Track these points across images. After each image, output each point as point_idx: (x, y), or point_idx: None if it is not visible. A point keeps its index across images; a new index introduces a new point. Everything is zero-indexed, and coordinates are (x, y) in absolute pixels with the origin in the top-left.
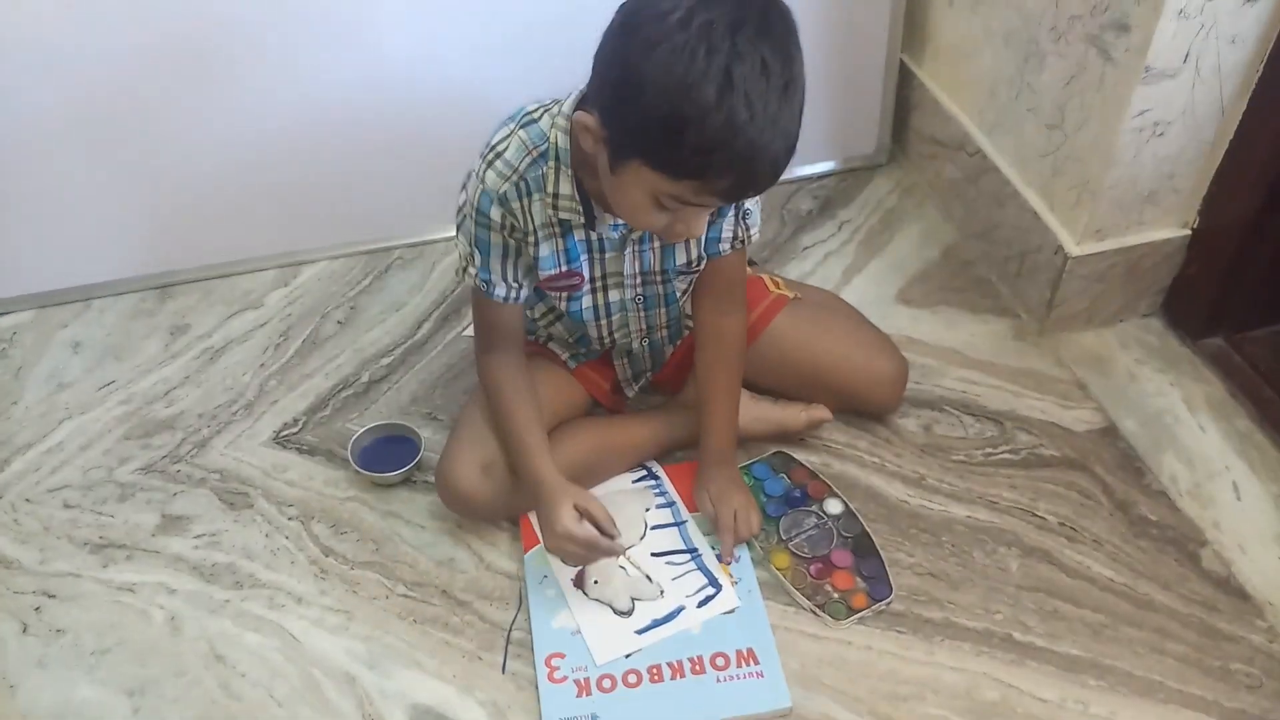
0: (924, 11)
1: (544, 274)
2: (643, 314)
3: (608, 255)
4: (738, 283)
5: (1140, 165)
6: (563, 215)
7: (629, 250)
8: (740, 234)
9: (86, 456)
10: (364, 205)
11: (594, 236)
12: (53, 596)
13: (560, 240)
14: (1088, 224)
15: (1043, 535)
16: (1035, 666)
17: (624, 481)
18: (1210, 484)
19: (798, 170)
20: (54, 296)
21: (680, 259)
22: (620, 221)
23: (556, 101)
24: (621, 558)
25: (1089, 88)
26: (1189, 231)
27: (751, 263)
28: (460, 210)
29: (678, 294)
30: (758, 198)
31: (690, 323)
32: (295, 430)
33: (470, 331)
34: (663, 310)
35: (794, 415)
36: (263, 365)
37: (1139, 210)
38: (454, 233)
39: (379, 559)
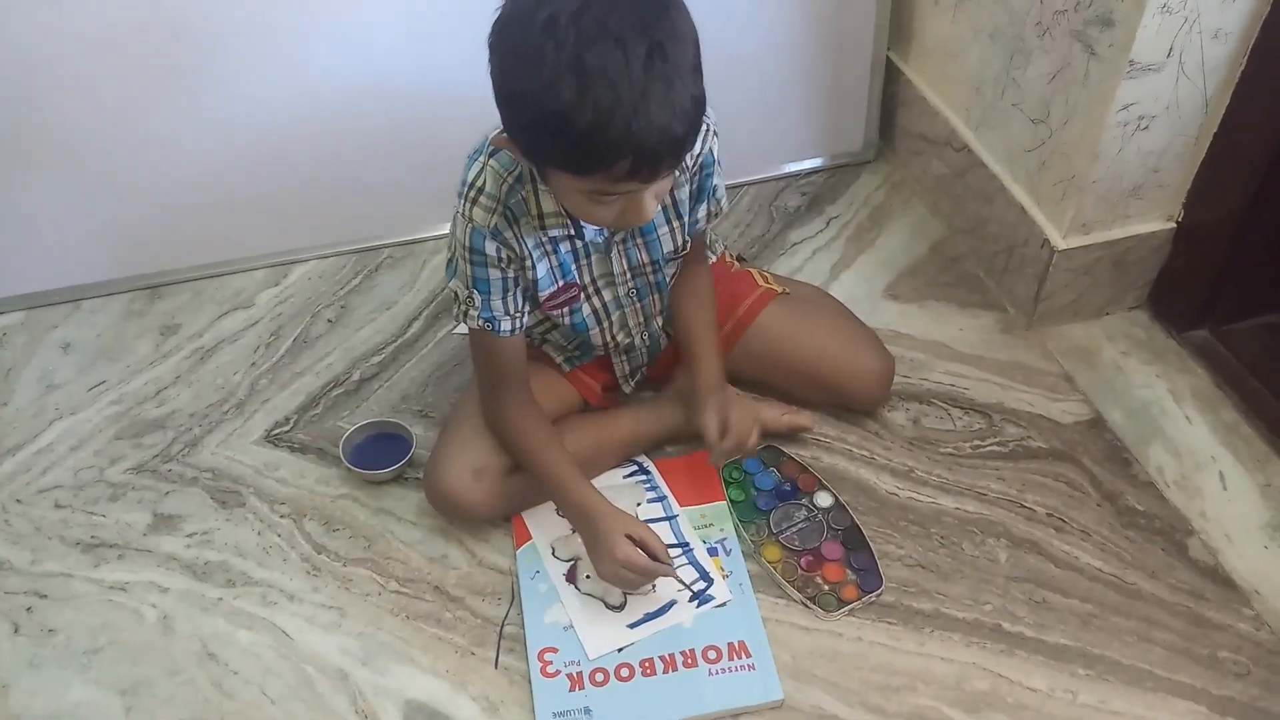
0: (910, 9)
1: (544, 294)
2: (639, 306)
3: (594, 258)
4: (702, 243)
5: (1125, 159)
6: (552, 233)
7: (614, 251)
8: (713, 209)
9: (77, 457)
10: (354, 204)
11: (579, 245)
12: (44, 597)
13: (552, 257)
14: (1074, 218)
15: (1031, 526)
16: (1025, 656)
17: (615, 477)
18: (1197, 474)
19: (785, 167)
20: (44, 297)
21: (668, 246)
22: (595, 229)
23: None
24: None
25: (1074, 83)
26: (1174, 225)
27: (740, 258)
28: (451, 249)
29: (668, 279)
30: (716, 169)
31: None
32: (287, 429)
33: (461, 329)
34: (656, 296)
35: (776, 417)
36: (254, 364)
37: (1124, 204)
38: (447, 231)
39: (371, 556)
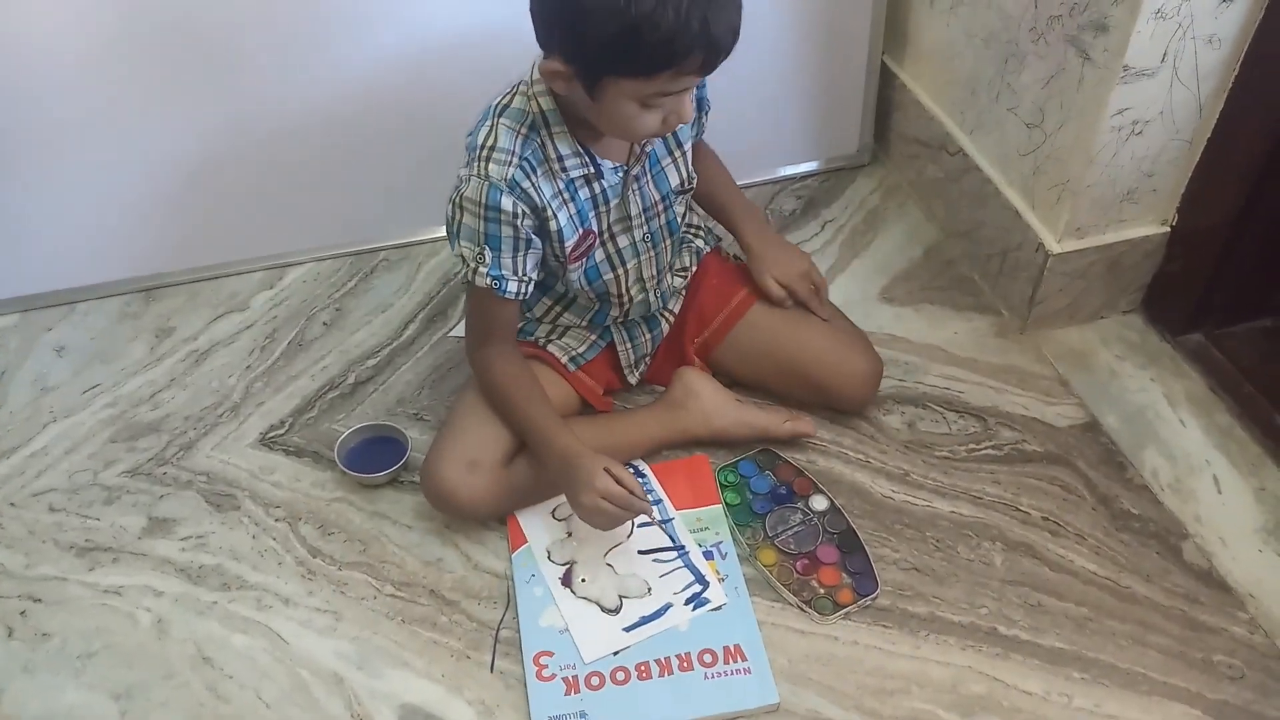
0: (905, 13)
1: (569, 244)
2: (653, 254)
3: (612, 204)
4: (703, 144)
5: (1119, 164)
6: (572, 175)
7: (630, 191)
8: (704, 119)
9: (72, 460)
10: (350, 207)
11: (598, 190)
12: (38, 601)
13: (570, 205)
14: (1068, 222)
15: (1026, 530)
16: (1020, 660)
17: None
18: (1191, 478)
19: (781, 170)
20: (38, 300)
21: (674, 180)
22: (618, 164)
23: (513, 85)
24: (609, 554)
25: (1068, 88)
26: (1168, 229)
27: (737, 258)
28: (455, 216)
29: (678, 218)
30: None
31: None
32: (282, 432)
33: (457, 332)
34: (668, 242)
35: (777, 423)
36: (249, 367)
37: (1118, 208)
38: (443, 234)
39: (366, 559)
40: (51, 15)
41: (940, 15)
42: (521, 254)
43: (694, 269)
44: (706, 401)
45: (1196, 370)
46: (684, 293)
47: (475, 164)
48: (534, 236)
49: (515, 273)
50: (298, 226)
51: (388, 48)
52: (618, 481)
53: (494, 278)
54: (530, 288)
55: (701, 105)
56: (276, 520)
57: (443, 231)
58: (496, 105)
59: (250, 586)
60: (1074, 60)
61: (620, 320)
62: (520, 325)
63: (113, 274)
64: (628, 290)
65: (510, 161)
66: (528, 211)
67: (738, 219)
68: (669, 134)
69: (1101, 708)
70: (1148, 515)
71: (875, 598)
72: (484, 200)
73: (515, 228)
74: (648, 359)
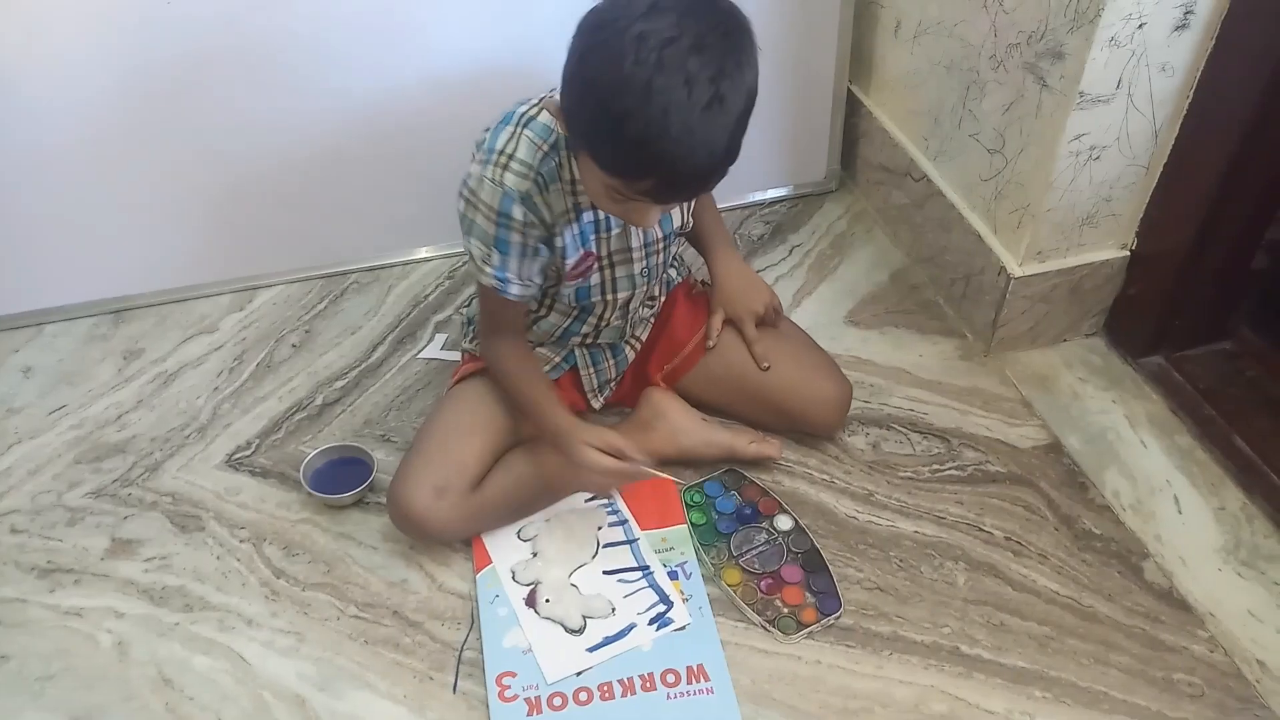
0: (870, 43)
1: (570, 263)
2: (645, 288)
3: (614, 233)
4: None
5: (1078, 189)
6: (581, 197)
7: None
8: None
9: (36, 481)
10: (320, 230)
11: (601, 216)
12: None
13: (575, 225)
14: (1029, 246)
15: (989, 550)
16: (983, 679)
17: (576, 500)
18: (1152, 499)
19: (750, 196)
20: (6, 321)
21: (676, 222)
22: None
23: (543, 96)
24: (574, 574)
25: (1028, 114)
26: (1128, 253)
27: (705, 283)
28: (468, 213)
29: (672, 255)
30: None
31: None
32: (248, 453)
33: (425, 354)
34: (661, 276)
35: (743, 444)
36: (216, 389)
37: (1079, 233)
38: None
39: (331, 580)
40: (27, 37)
41: (904, 44)
42: (528, 260)
43: (663, 299)
44: (674, 421)
45: (1158, 392)
46: (651, 321)
47: (493, 168)
48: (542, 246)
49: (520, 277)
50: (268, 249)
51: (357, 75)
52: (611, 445)
53: (499, 279)
54: (532, 291)
55: None
56: (241, 541)
57: (412, 255)
58: (522, 114)
59: (213, 608)
60: (1032, 87)
61: (586, 344)
62: None
63: (82, 296)
64: (609, 316)
65: (528, 175)
66: (536, 223)
67: (709, 246)
68: None
69: None
70: (1109, 535)
71: (838, 617)
72: (497, 206)
73: (524, 235)
74: (612, 384)
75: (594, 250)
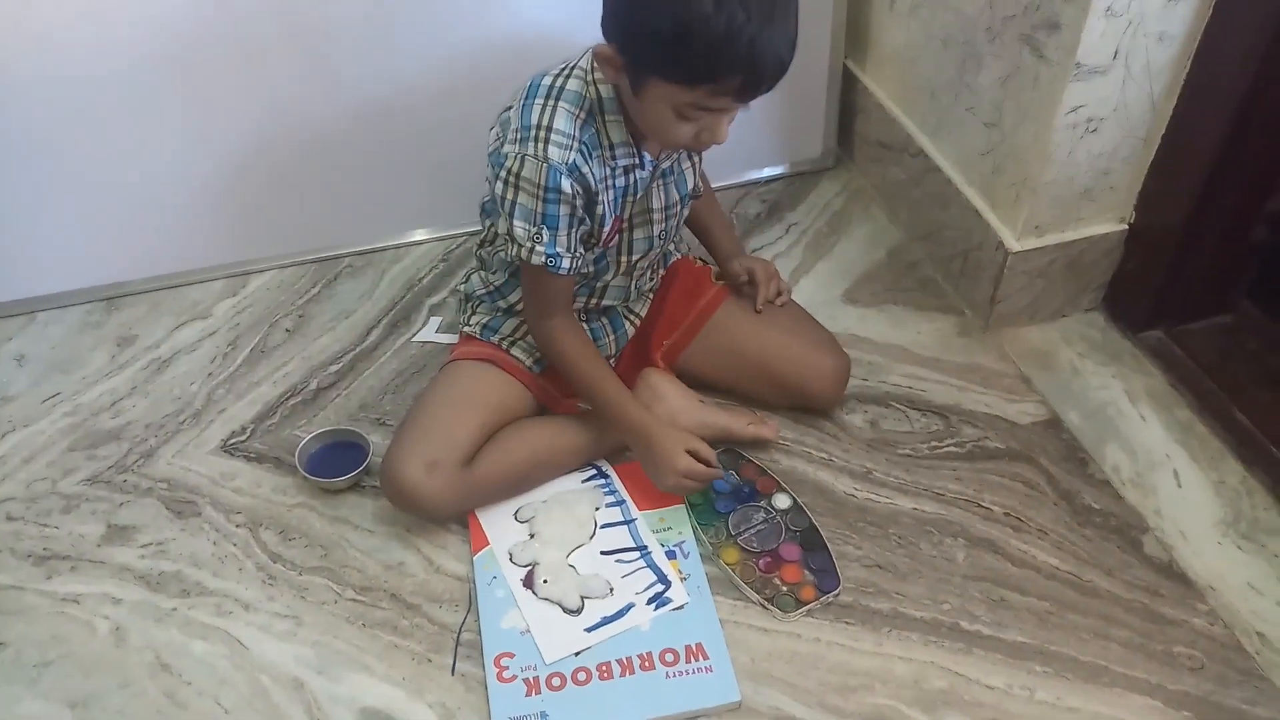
0: (866, 18)
1: (606, 231)
2: (658, 251)
3: (638, 195)
4: (705, 178)
5: (1075, 162)
6: (620, 163)
7: (655, 185)
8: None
9: (30, 469)
10: (313, 214)
11: (633, 179)
12: None
13: (610, 191)
14: (1027, 220)
15: (989, 526)
16: (982, 654)
17: (573, 480)
18: (1152, 473)
19: (746, 175)
20: None
21: (689, 184)
22: (653, 158)
23: (566, 65)
24: (571, 555)
25: (1024, 86)
26: (1127, 227)
27: (703, 260)
28: (509, 195)
29: (679, 225)
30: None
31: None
32: (243, 438)
33: (420, 338)
34: (672, 238)
35: (740, 424)
36: (210, 375)
37: (1076, 206)
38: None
39: (327, 564)
40: (21, 23)
41: (900, 18)
42: (575, 230)
43: (662, 272)
44: (671, 403)
45: (1157, 367)
46: (650, 296)
47: (532, 144)
48: (586, 216)
49: (569, 249)
50: (260, 234)
51: (350, 59)
52: (698, 454)
53: (550, 256)
54: (582, 262)
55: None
56: (237, 526)
57: (405, 238)
58: (548, 85)
59: (210, 593)
60: (1029, 59)
61: (589, 309)
62: (486, 320)
63: (74, 283)
64: (617, 276)
65: (570, 145)
66: (581, 192)
67: (715, 236)
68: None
69: (1063, 701)
70: (1109, 510)
71: (837, 595)
72: (544, 182)
73: (573, 207)
74: (612, 360)
75: (621, 215)
